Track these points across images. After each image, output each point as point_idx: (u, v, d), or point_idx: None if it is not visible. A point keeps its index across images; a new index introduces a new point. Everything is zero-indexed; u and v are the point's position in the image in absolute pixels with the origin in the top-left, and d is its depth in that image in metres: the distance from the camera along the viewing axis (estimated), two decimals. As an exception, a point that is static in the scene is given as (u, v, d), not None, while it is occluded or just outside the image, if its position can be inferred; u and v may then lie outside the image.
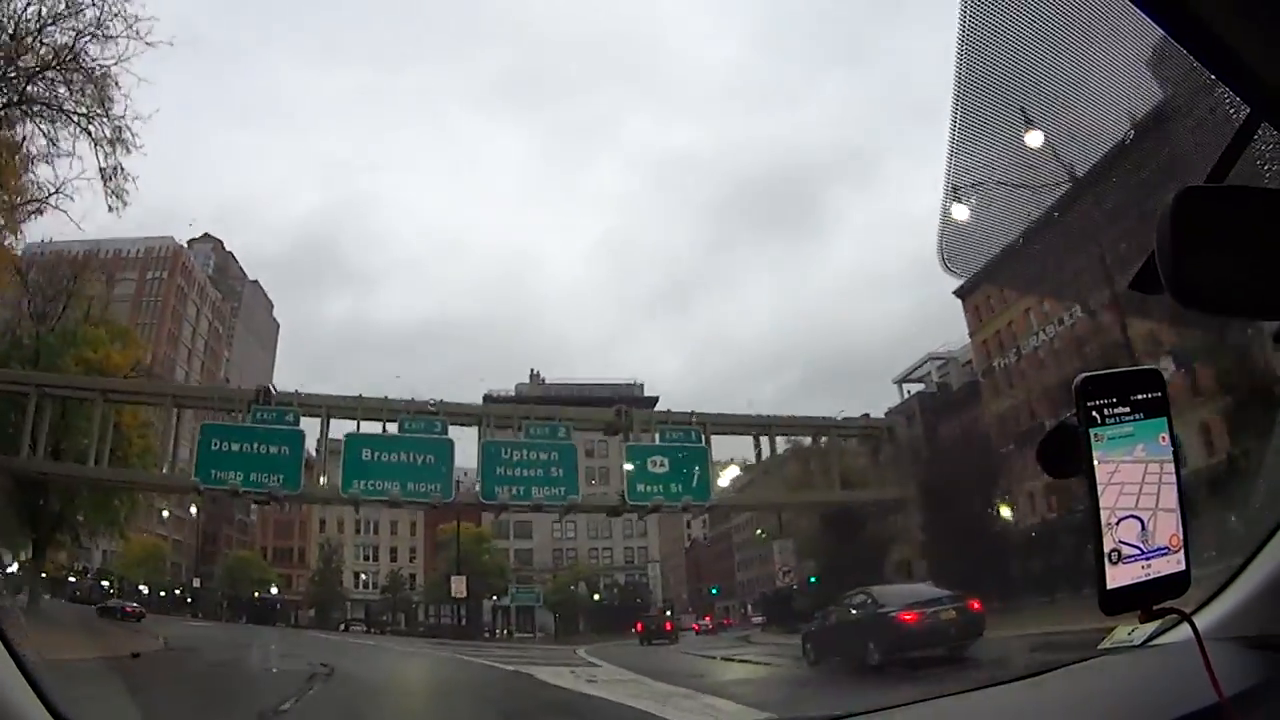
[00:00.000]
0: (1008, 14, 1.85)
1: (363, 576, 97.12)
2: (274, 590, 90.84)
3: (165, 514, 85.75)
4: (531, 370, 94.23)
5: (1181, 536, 1.60)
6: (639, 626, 59.17)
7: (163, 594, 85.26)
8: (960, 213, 2.25)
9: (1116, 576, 1.55)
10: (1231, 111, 1.83)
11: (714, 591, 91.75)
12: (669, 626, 62.38)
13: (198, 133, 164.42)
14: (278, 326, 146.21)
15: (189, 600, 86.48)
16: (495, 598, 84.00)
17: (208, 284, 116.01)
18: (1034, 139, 2.17)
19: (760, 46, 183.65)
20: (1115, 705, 2.37)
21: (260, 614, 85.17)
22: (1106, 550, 1.54)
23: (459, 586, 65.74)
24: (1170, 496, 1.58)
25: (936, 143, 2.07)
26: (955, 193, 2.16)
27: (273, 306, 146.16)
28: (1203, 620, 2.12)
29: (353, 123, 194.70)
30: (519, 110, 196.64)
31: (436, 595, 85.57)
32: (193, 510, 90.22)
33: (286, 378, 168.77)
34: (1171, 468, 1.59)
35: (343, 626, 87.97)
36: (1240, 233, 1.57)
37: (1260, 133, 1.78)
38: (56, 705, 1.61)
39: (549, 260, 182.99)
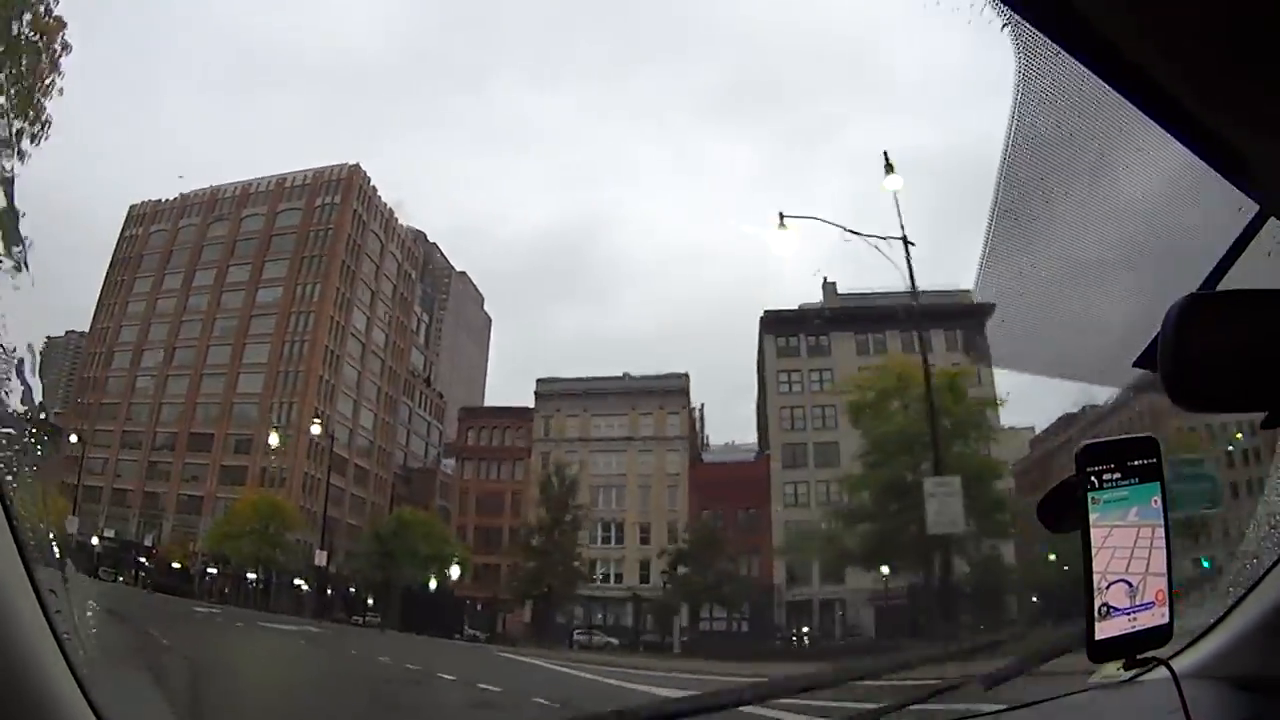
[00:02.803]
0: (1051, 113, 1.95)
1: (601, 566, 64.44)
2: (454, 573, 57.94)
3: (275, 442, 55.71)
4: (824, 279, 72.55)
5: (1167, 593, 1.71)
6: None
7: (285, 580, 55.40)
8: (997, 302, 2.43)
9: (1105, 629, 1.65)
10: (1239, 208, 1.95)
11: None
12: None
13: (431, 160, 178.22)
14: (489, 321, 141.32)
15: (312, 589, 55.41)
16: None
17: (394, 218, 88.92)
18: (1057, 231, 2.28)
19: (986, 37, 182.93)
20: None
21: (426, 614, 52.95)
22: (1096, 605, 1.64)
23: (947, 507, 22.94)
24: (1159, 560, 1.70)
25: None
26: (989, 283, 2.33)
27: (483, 300, 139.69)
28: (1184, 662, 2.31)
29: (582, 139, 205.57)
30: (743, 117, 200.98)
31: (709, 586, 53.16)
32: (314, 430, 61.30)
33: (505, 378, 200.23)
34: (1162, 531, 1.71)
35: (575, 638, 54.68)
36: (1238, 335, 1.70)
37: (1268, 226, 1.96)
38: (99, 705, 1.56)
39: (785, 269, 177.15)
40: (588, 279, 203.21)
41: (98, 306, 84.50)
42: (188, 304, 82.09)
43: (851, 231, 26.36)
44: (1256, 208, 1.92)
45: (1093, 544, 1.64)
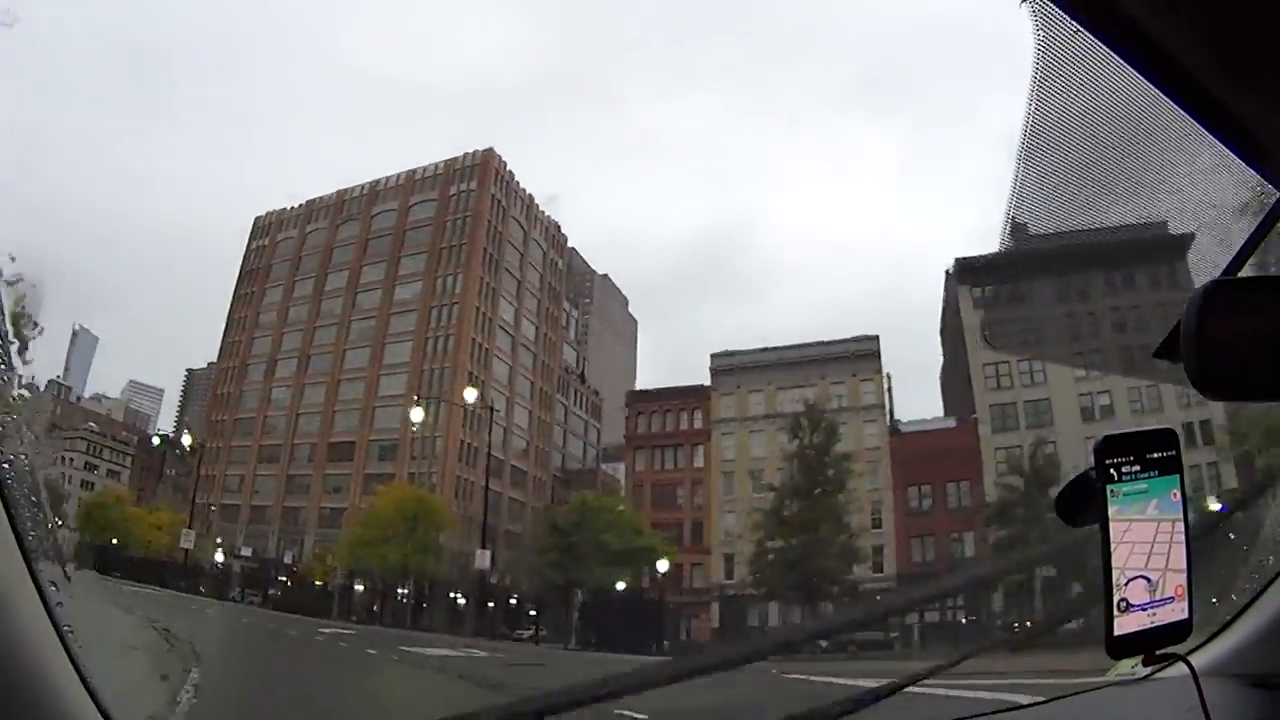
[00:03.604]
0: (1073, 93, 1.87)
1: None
2: (663, 566, 47.98)
3: (418, 417, 45.17)
4: (1013, 219, 66.81)
5: (1186, 588, 1.69)
6: None
7: (439, 592, 46.68)
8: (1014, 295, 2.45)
9: (1123, 624, 1.63)
10: (1260, 194, 1.93)
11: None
12: None
13: (567, 174, 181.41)
14: (635, 323, 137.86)
15: (470, 601, 46.38)
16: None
17: (535, 204, 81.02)
18: (1073, 220, 2.19)
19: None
20: None
21: (614, 625, 43.07)
22: (1115, 600, 1.63)
23: None
24: (1179, 556, 1.68)
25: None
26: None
27: (628, 302, 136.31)
28: (1202, 658, 2.24)
29: (717, 142, 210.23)
30: (878, 107, 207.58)
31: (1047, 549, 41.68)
32: (469, 396, 52.23)
33: (655, 381, 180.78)
34: (1182, 526, 1.69)
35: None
36: (1262, 323, 1.68)
37: None
38: (107, 706, 1.58)
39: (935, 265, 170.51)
40: (735, 279, 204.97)
41: (228, 322, 79.84)
42: (320, 309, 76.50)
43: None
44: (1277, 194, 1.84)
45: (1112, 538, 1.61)
